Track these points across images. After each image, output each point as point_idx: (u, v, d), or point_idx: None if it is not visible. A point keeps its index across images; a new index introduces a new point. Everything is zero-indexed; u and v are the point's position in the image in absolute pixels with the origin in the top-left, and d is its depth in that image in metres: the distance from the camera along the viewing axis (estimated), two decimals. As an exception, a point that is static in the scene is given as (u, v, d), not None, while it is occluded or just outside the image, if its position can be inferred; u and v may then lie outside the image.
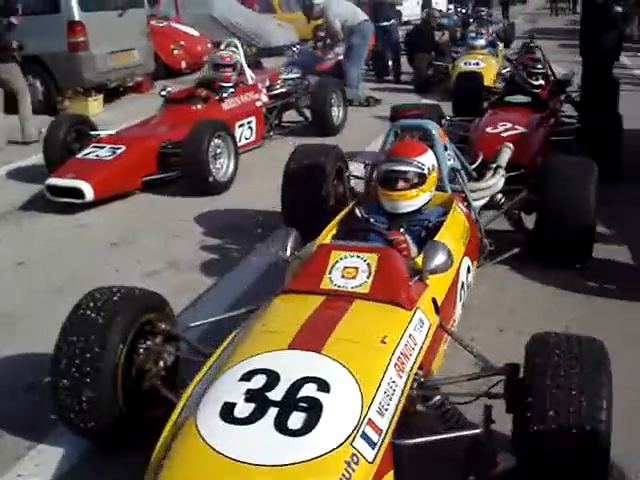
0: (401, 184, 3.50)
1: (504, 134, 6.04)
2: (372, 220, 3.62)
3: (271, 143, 7.86)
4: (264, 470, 1.99)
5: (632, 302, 4.04)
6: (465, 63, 10.80)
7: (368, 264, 2.85)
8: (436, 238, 3.22)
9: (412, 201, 3.52)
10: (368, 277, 2.81)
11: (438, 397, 2.55)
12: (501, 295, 4.16)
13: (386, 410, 2.28)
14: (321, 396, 2.20)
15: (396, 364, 2.46)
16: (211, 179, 6.04)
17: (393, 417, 2.28)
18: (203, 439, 2.10)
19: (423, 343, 2.67)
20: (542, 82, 7.68)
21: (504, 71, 11.12)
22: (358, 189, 4.97)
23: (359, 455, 2.09)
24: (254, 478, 1.98)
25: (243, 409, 2.17)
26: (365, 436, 2.15)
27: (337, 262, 2.89)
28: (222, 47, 8.00)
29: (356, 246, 3.00)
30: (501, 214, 4.49)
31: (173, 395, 2.75)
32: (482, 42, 11.59)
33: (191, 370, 2.87)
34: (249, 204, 5.90)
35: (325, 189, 4.75)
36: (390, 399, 2.32)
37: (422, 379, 2.54)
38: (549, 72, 8.00)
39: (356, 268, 2.85)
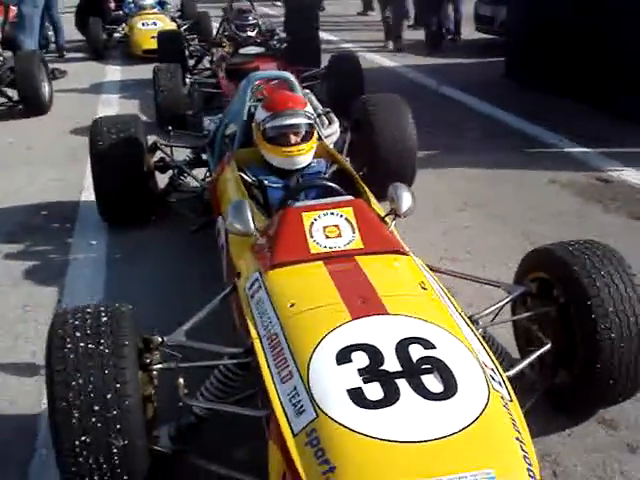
0: (294, 138, 3.32)
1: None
2: (266, 182, 3.40)
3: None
4: (448, 441, 1.82)
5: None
6: (143, 24, 10.47)
7: (346, 219, 2.71)
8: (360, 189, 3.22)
9: (309, 154, 3.38)
10: (354, 232, 2.67)
11: (480, 330, 2.56)
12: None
13: (479, 349, 2.23)
14: (434, 353, 2.08)
15: (448, 305, 2.41)
16: (-38, 179, 5.04)
17: (488, 353, 2.25)
18: (361, 433, 1.84)
19: (437, 281, 2.64)
20: (253, 34, 7.79)
21: (183, 28, 10.98)
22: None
23: (504, 397, 2.03)
24: (442, 454, 1.81)
25: (373, 391, 1.95)
26: (492, 378, 2.09)
27: (312, 224, 2.69)
28: None
29: (324, 204, 2.80)
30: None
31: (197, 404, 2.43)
32: (151, 1, 11.24)
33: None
34: (19, 200, 5.11)
35: (145, 164, 4.32)
36: (471, 338, 2.28)
37: (469, 314, 2.53)
38: (260, 22, 8.10)
39: (336, 225, 2.69)
